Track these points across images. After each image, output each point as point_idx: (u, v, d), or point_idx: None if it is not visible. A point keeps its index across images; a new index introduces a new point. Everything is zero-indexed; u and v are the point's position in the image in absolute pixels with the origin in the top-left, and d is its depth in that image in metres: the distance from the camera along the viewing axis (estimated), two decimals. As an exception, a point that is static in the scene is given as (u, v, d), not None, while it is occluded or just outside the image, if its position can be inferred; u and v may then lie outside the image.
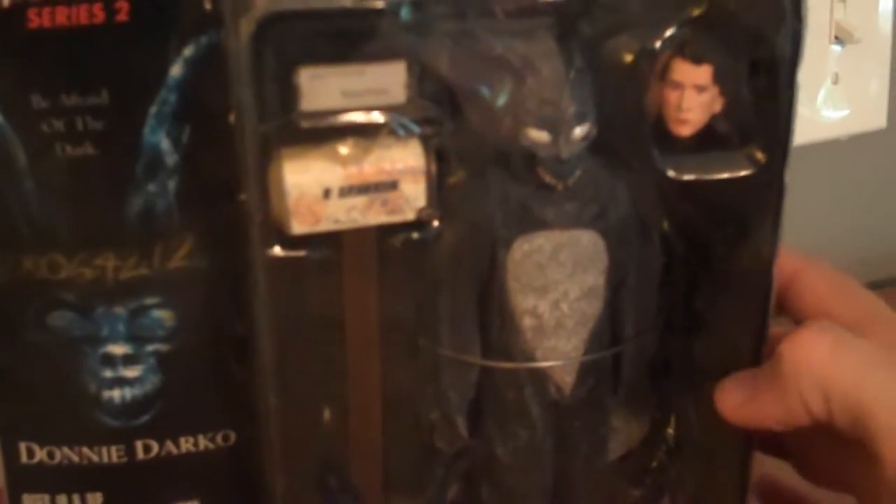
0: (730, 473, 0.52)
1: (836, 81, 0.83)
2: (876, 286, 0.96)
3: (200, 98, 0.45)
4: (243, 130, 0.40)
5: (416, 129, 0.43)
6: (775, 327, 0.49)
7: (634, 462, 0.55)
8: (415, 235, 0.41)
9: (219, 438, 0.52)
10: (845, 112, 0.85)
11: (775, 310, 0.50)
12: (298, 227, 0.38)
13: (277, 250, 0.41)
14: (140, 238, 0.47)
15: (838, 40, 0.80)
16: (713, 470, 0.53)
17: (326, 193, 0.38)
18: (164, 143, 0.46)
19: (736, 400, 0.42)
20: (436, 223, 0.44)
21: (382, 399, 0.44)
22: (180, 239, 0.48)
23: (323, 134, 0.42)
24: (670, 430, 0.55)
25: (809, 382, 0.39)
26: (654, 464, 0.55)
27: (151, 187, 0.46)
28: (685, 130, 0.45)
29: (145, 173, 0.46)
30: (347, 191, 0.38)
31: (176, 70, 0.45)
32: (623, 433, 0.49)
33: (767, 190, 0.46)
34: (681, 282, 0.46)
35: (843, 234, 0.95)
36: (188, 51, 0.45)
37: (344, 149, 0.41)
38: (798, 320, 0.45)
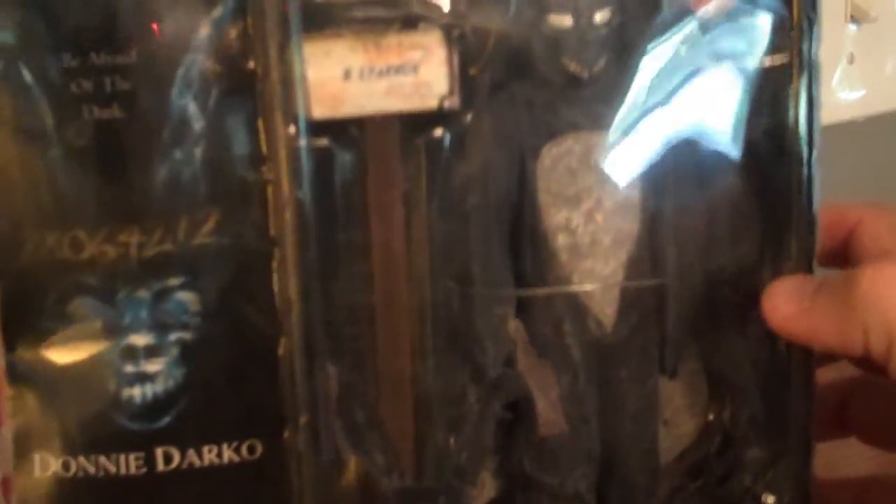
0: (792, 457, 0.48)
1: (851, 61, 0.81)
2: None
3: (227, 59, 0.46)
4: (264, 13, 0.40)
5: (437, 19, 0.43)
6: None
7: (690, 459, 0.50)
8: (439, 131, 0.39)
9: (244, 450, 0.48)
10: (862, 92, 0.82)
11: (836, 262, 0.47)
12: (319, 112, 0.38)
13: (301, 140, 0.40)
14: (165, 211, 0.47)
15: (854, 19, 0.79)
16: (773, 454, 0.49)
17: (346, 75, 0.37)
18: (192, 107, 0.46)
19: (789, 309, 0.40)
20: (460, 118, 0.42)
21: (411, 316, 0.40)
22: (206, 213, 0.47)
23: (343, 20, 0.41)
24: (728, 416, 0.51)
25: (880, 318, 0.38)
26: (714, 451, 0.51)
27: (177, 154, 0.47)
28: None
29: (172, 138, 0.46)
30: (368, 73, 0.38)
31: (203, 30, 0.46)
32: (676, 427, 0.46)
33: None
34: (741, 227, 0.44)
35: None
36: (216, 12, 0.46)
37: (364, 34, 0.41)
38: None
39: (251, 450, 0.48)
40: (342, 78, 0.37)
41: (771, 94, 0.41)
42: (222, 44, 0.47)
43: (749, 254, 0.43)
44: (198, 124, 0.47)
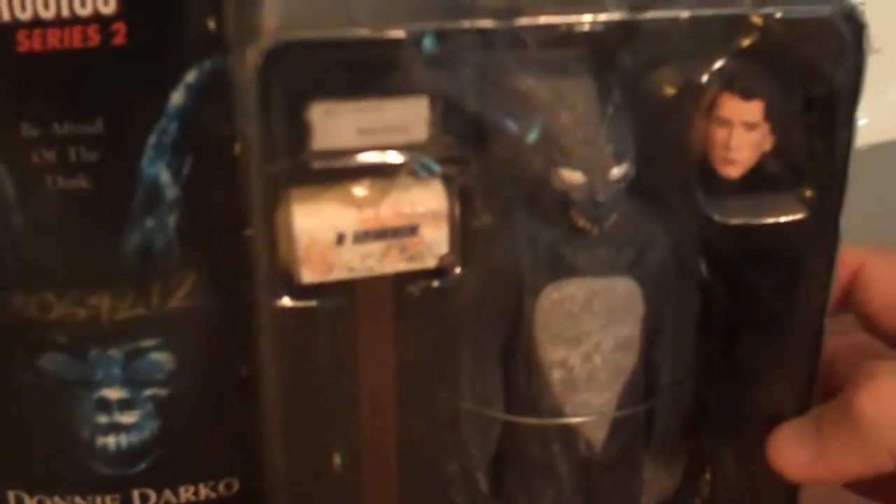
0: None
1: None
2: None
3: (203, 127, 0.43)
4: (249, 169, 0.36)
5: (438, 169, 0.40)
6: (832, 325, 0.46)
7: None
8: (435, 283, 0.37)
9: (221, 487, 0.50)
10: (864, 121, 0.82)
11: (839, 306, 0.47)
12: (309, 276, 0.36)
13: (286, 301, 0.37)
14: (137, 276, 0.46)
15: None
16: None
17: (340, 239, 0.35)
18: (164, 176, 0.44)
19: (802, 459, 0.39)
20: (458, 270, 0.39)
21: (398, 452, 0.41)
22: (181, 277, 0.46)
23: (336, 174, 0.39)
24: (706, 482, 0.51)
25: None
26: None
27: (149, 222, 0.45)
28: (733, 171, 0.42)
29: (143, 207, 0.44)
30: (363, 236, 0.36)
31: (177, 97, 0.43)
32: (654, 485, 0.46)
33: (821, 234, 0.42)
34: (721, 329, 0.42)
35: (861, 244, 0.92)
36: (190, 76, 0.43)
37: (359, 190, 0.38)
38: (865, 314, 0.44)
39: (228, 486, 0.50)
40: (335, 242, 0.35)
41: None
42: (196, 110, 0.43)
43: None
44: (171, 192, 0.45)
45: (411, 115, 0.39)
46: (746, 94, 0.42)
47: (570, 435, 0.43)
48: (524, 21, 0.38)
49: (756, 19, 0.39)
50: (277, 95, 0.37)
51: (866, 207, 0.94)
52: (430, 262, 0.41)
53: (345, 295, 0.41)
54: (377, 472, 0.45)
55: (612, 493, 0.44)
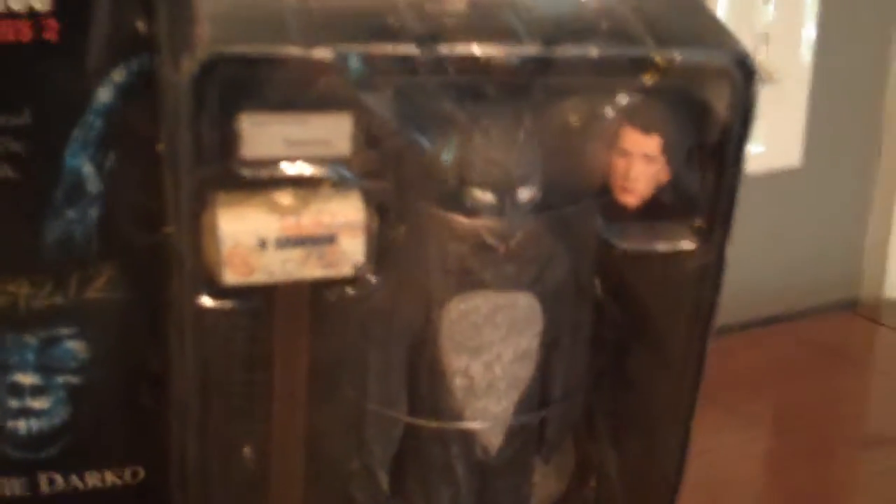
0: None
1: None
2: (785, 318, 0.99)
3: (128, 124, 0.45)
4: (177, 172, 0.38)
5: (357, 181, 0.42)
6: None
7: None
8: (350, 290, 0.38)
9: (127, 475, 0.51)
10: (761, 149, 0.86)
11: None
12: (231, 278, 0.37)
13: (207, 300, 0.39)
14: (56, 266, 0.47)
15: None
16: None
17: (262, 244, 0.36)
18: (87, 169, 0.45)
19: None
20: (372, 279, 0.42)
21: (305, 448, 0.42)
22: (98, 269, 0.47)
23: (262, 182, 0.40)
24: (591, 488, 0.54)
25: None
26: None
27: (71, 214, 0.46)
28: (631, 200, 0.45)
29: (65, 199, 0.45)
30: (284, 242, 0.37)
31: (103, 94, 0.44)
32: (543, 489, 0.49)
33: (708, 262, 0.45)
34: (611, 343, 0.45)
35: (754, 268, 0.96)
36: (117, 75, 0.44)
37: (283, 199, 0.40)
38: None
39: (134, 474, 0.51)
40: (257, 247, 0.37)
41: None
42: (122, 108, 0.45)
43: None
44: (93, 185, 0.46)
45: (335, 131, 0.41)
46: (646, 129, 0.45)
47: (468, 439, 0.45)
48: (444, 49, 0.40)
49: (659, 60, 0.42)
50: (209, 104, 0.39)
51: (761, 230, 0.98)
52: (346, 270, 0.43)
53: (264, 297, 0.43)
54: (284, 466, 0.47)
55: (504, 495, 0.47)
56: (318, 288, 0.44)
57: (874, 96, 0.98)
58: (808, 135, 0.92)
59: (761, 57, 0.83)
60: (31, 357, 0.48)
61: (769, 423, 0.82)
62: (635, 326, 0.44)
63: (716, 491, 0.70)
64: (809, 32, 0.87)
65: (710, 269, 0.45)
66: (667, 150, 0.45)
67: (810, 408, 0.82)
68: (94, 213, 0.46)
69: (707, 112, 0.43)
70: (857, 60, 0.95)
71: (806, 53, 0.88)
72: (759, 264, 0.96)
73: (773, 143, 0.87)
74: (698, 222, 0.45)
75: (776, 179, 0.90)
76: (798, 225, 0.99)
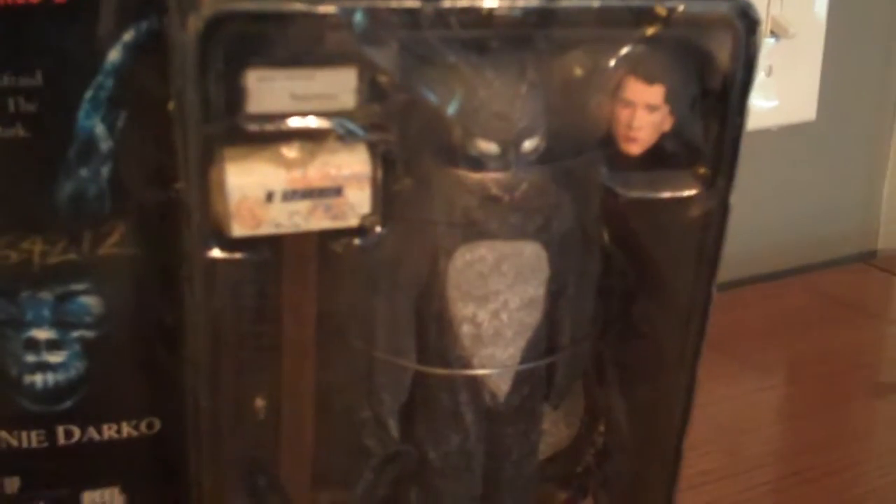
0: (658, 477, 0.52)
1: (769, 73, 0.84)
2: (799, 271, 0.99)
3: (138, 84, 0.45)
4: (186, 128, 0.39)
5: (363, 134, 0.43)
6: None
7: (561, 464, 0.55)
8: (357, 241, 0.39)
9: (143, 426, 0.51)
10: (776, 103, 0.86)
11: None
12: (239, 230, 0.37)
13: (216, 252, 0.40)
14: (70, 223, 0.47)
15: (773, 34, 0.81)
16: (641, 473, 0.53)
17: (269, 197, 0.37)
18: (99, 129, 0.45)
19: None
20: (379, 229, 0.42)
21: (315, 398, 0.42)
22: (111, 226, 0.48)
23: (268, 136, 0.41)
24: (599, 433, 0.55)
25: None
26: (581, 467, 0.55)
27: (84, 172, 0.46)
28: (634, 148, 0.45)
29: (78, 158, 0.46)
30: (291, 195, 0.37)
31: (114, 54, 0.45)
32: (552, 435, 0.50)
33: (712, 210, 0.45)
34: (618, 292, 0.46)
35: (769, 221, 0.96)
36: (127, 35, 0.44)
37: (289, 152, 0.40)
38: None
39: (150, 426, 0.52)
40: (264, 199, 0.38)
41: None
42: (133, 68, 0.45)
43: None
44: (105, 144, 0.46)
45: (340, 85, 0.42)
46: (649, 79, 0.45)
47: (476, 386, 0.46)
48: (447, 2, 0.41)
49: (660, 10, 0.42)
50: (216, 61, 0.39)
51: (776, 183, 0.98)
52: (353, 221, 0.43)
53: (271, 249, 0.44)
54: (294, 416, 0.47)
55: (513, 441, 0.47)
56: (326, 239, 0.44)
57: (889, 49, 0.98)
58: (823, 89, 0.91)
59: (775, 11, 0.83)
60: (46, 313, 0.48)
61: (784, 373, 0.83)
62: (641, 274, 0.45)
63: (732, 438, 0.71)
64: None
65: (715, 216, 0.45)
66: (670, 99, 0.46)
67: (825, 358, 0.82)
68: (106, 171, 0.46)
69: (710, 61, 0.44)
70: (872, 14, 0.95)
71: (821, 8, 0.87)
72: (775, 218, 0.96)
73: (789, 98, 0.87)
74: (702, 170, 0.45)
75: (792, 133, 0.90)
76: (814, 178, 0.99)
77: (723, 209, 0.45)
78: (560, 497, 0.54)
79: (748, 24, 0.42)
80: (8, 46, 0.44)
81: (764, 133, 0.88)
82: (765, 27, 0.80)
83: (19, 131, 0.45)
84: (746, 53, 0.43)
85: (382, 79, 0.42)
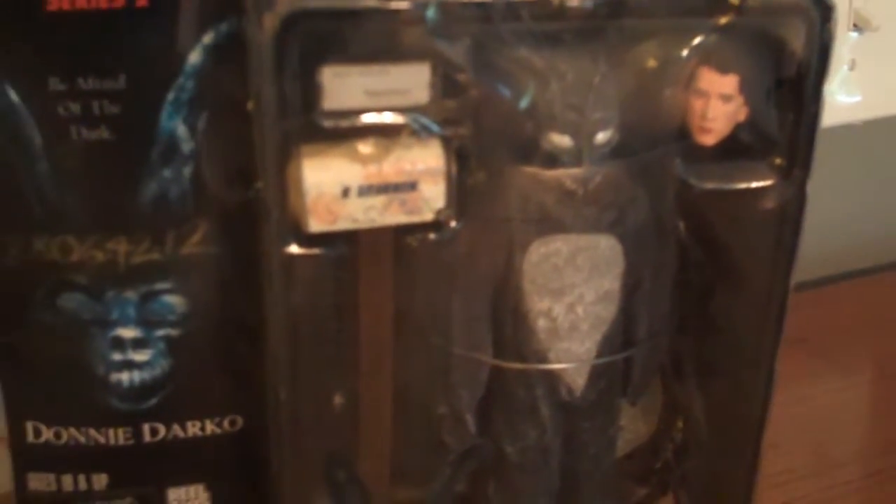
0: (737, 474, 0.52)
1: (852, 67, 0.83)
2: (886, 268, 0.98)
3: (218, 86, 0.46)
4: (263, 126, 0.39)
5: (436, 129, 0.43)
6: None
7: (640, 460, 0.54)
8: (432, 236, 0.39)
9: (226, 423, 0.52)
10: (859, 98, 0.85)
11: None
12: (316, 226, 0.38)
13: (294, 248, 0.41)
14: (153, 223, 0.48)
15: (856, 27, 0.80)
16: (720, 470, 0.53)
17: (345, 192, 0.37)
18: (181, 130, 0.46)
19: None
20: (453, 224, 0.43)
21: (393, 394, 0.43)
22: (193, 225, 0.48)
23: (344, 132, 0.41)
24: (678, 429, 0.54)
25: None
26: (660, 464, 0.55)
27: (166, 173, 0.47)
28: (709, 139, 0.45)
29: (160, 159, 0.47)
30: (366, 190, 0.38)
31: (194, 57, 0.45)
32: (630, 431, 0.50)
33: (789, 200, 0.45)
34: (695, 286, 0.46)
35: (854, 217, 0.95)
36: (207, 38, 0.45)
37: (364, 148, 0.41)
38: None
39: (232, 423, 0.52)
40: (340, 195, 0.38)
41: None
42: (212, 69, 0.46)
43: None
44: (187, 145, 0.47)
45: (414, 80, 0.42)
46: (723, 69, 0.45)
47: (552, 380, 0.46)
48: (521, -4, 0.40)
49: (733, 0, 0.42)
50: (291, 58, 0.40)
51: (860, 178, 0.97)
52: (428, 216, 0.44)
53: (348, 244, 0.44)
54: (373, 412, 0.48)
55: (591, 435, 0.47)
56: (401, 234, 0.44)
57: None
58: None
59: (858, 4, 0.82)
60: (131, 312, 0.49)
61: (869, 372, 0.81)
62: (718, 267, 0.45)
63: (815, 437, 0.70)
64: (910, -21, 0.85)
65: (792, 207, 0.45)
66: (744, 88, 0.45)
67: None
68: (188, 171, 0.47)
69: (784, 49, 0.44)
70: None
71: (906, 1, 0.86)
72: (861, 214, 0.95)
73: (871, 92, 0.86)
74: (778, 160, 0.45)
75: (876, 128, 0.89)
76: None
77: (800, 199, 0.45)
78: (638, 494, 0.54)
79: (822, 11, 0.42)
80: (92, 50, 0.45)
81: (846, 127, 0.86)
82: (847, 20, 0.79)
83: (104, 133, 0.46)
84: (821, 41, 0.42)
85: (455, 74, 0.41)
